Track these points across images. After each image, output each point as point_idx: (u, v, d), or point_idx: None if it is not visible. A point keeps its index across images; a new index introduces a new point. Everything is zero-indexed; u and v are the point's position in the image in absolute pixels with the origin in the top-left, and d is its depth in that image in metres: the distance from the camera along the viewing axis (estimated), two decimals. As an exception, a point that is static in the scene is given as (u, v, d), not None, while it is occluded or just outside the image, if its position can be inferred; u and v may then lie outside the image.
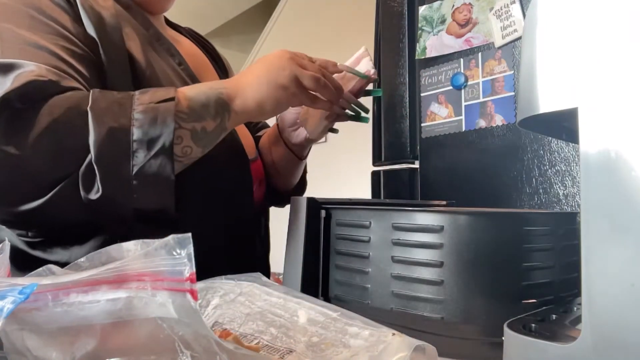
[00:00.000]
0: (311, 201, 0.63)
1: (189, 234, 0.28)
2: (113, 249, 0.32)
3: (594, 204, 0.32)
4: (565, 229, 0.53)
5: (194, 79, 0.75)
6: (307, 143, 0.87)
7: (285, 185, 0.93)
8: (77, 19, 0.62)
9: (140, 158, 0.54)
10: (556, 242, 0.51)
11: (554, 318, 0.43)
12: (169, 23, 0.89)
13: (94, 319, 0.28)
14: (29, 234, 0.61)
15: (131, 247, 0.32)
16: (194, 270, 0.27)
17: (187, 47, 0.85)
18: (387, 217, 0.54)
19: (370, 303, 0.54)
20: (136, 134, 0.54)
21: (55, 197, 0.53)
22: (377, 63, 1.29)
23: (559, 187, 0.93)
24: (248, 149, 0.79)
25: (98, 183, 0.53)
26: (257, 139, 0.93)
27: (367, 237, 0.55)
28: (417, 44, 1.17)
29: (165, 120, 0.55)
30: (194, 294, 0.27)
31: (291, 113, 0.85)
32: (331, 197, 0.67)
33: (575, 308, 0.46)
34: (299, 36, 3.35)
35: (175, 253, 0.27)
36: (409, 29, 1.21)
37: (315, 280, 0.61)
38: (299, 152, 0.88)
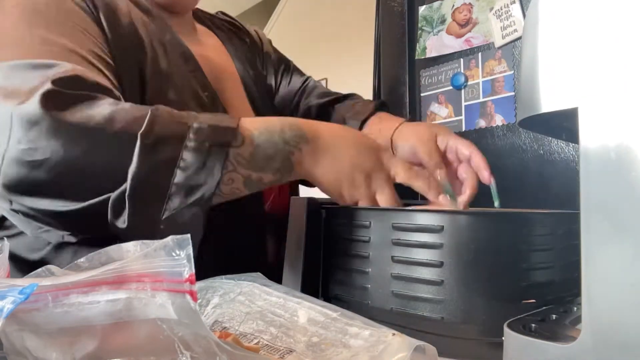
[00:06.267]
0: (311, 201, 0.63)
1: (188, 235, 0.28)
2: (112, 249, 0.32)
3: (594, 204, 0.32)
4: (565, 229, 0.53)
5: (207, 87, 0.75)
6: None
7: None
8: (100, 26, 0.64)
9: (174, 204, 0.50)
10: (556, 242, 0.51)
11: (554, 318, 0.43)
12: (200, 15, 0.89)
13: (94, 320, 0.28)
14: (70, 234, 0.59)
15: (131, 248, 0.32)
16: (194, 271, 0.27)
17: (209, 48, 0.85)
18: (387, 217, 0.54)
19: (370, 303, 0.54)
20: (178, 176, 0.50)
21: (91, 206, 0.51)
22: (377, 63, 1.29)
23: (559, 187, 0.92)
24: None
25: (125, 216, 0.50)
26: None
27: (367, 237, 0.55)
28: (417, 44, 1.17)
29: (212, 170, 0.51)
30: (193, 295, 0.27)
31: None
32: (331, 197, 0.67)
33: (575, 308, 0.45)
34: (299, 36, 3.35)
35: (175, 254, 0.27)
36: (409, 29, 1.21)
37: (315, 280, 0.61)
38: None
